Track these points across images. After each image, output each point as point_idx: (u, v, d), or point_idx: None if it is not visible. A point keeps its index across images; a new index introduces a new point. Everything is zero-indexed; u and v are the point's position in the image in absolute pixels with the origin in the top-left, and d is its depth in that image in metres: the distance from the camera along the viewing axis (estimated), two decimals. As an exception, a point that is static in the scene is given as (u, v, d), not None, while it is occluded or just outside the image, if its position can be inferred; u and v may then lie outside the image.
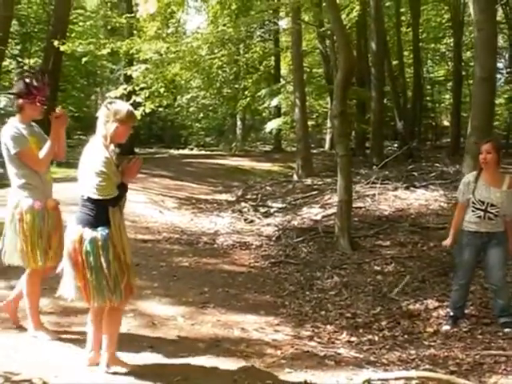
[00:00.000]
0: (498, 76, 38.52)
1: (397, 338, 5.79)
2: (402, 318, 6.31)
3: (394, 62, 26.32)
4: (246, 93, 27.32)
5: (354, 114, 24.60)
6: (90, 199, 4.06)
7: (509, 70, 34.03)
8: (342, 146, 9.11)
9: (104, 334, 4.26)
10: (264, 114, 35.16)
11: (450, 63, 28.38)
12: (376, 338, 5.76)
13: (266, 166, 22.45)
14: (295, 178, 17.56)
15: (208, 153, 27.93)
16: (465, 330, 5.93)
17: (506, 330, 5.74)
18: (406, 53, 29.15)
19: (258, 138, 35.63)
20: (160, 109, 21.12)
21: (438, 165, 17.36)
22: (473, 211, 5.85)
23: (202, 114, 33.71)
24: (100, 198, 4.00)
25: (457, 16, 24.29)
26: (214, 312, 6.17)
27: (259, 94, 26.61)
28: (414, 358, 5.24)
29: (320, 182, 15.80)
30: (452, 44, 26.94)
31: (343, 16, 15.09)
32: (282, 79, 29.04)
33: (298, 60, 18.56)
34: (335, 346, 5.51)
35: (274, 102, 24.45)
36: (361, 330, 5.96)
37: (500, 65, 37.79)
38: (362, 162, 19.77)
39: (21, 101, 4.87)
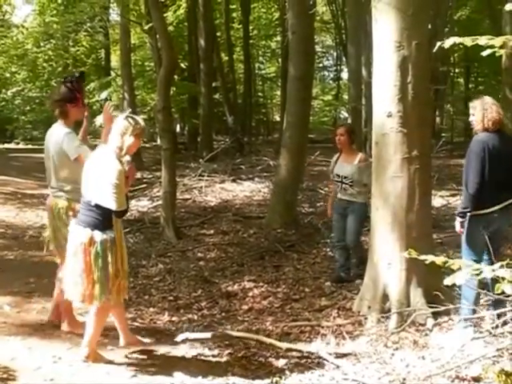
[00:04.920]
0: (326, 73, 40.90)
1: (215, 316, 6.25)
2: (221, 298, 6.79)
3: (226, 58, 26.89)
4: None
5: (186, 109, 24.94)
6: (98, 206, 4.34)
7: (335, 68, 36.18)
8: (165, 139, 9.48)
9: (90, 330, 4.58)
10: (94, 107, 34.49)
11: (280, 60, 29.41)
12: (195, 317, 6.19)
13: (97, 159, 22.14)
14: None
15: (36, 147, 26.96)
16: (276, 305, 6.53)
17: (357, 281, 6.67)
18: (237, 49, 29.72)
19: (89, 131, 34.78)
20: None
21: (265, 158, 18.18)
22: (335, 183, 7.12)
23: (28, 107, 32.39)
24: (114, 209, 4.30)
25: (284, 15, 25.09)
26: (39, 300, 6.36)
27: (88, 86, 26.16)
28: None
29: (150, 176, 16.04)
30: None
31: (170, 13, 15.48)
32: (112, 72, 28.71)
33: (126, 54, 18.62)
34: (156, 325, 5.91)
35: (104, 95, 24.13)
36: (181, 311, 6.37)
37: (328, 63, 40.12)
38: (193, 156, 20.19)
39: (67, 106, 5.07)
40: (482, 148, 5.04)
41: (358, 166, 6.84)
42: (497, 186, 5.07)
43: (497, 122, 5.13)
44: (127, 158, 4.44)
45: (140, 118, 4.61)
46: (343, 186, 6.95)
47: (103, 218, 4.39)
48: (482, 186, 5.02)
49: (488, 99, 5.26)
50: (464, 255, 5.25)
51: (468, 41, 3.31)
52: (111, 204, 4.29)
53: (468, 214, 5.11)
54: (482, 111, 5.14)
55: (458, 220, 5.21)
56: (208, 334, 5.28)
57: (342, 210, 7.04)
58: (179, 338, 5.16)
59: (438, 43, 3.54)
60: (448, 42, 3.40)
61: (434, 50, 3.77)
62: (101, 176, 4.34)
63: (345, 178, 6.92)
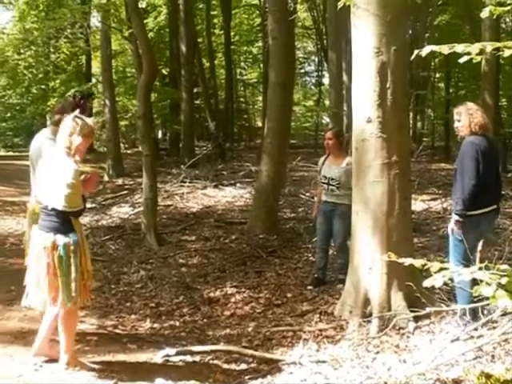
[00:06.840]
0: (308, 79, 40.95)
1: (196, 322, 6.25)
2: (203, 304, 6.79)
3: (207, 64, 26.85)
4: (56, 93, 26.67)
5: (168, 115, 24.85)
6: (55, 210, 4.28)
7: (317, 73, 36.22)
8: (145, 146, 9.46)
9: (63, 337, 4.53)
10: (74, 109, 34.21)
11: (261, 66, 29.41)
12: (177, 324, 6.19)
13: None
14: (106, 178, 17.39)
15: (17, 154, 26.83)
16: (258, 311, 6.54)
17: (339, 286, 6.67)
18: (219, 55, 29.68)
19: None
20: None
21: (247, 164, 18.18)
22: (321, 185, 7.20)
23: (9, 114, 32.16)
24: (68, 210, 4.24)
25: (265, 21, 25.08)
26: (20, 308, 6.23)
27: (69, 93, 26.01)
28: (211, 338, 5.77)
29: (131, 182, 15.99)
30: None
31: (151, 19, 15.45)
32: (93, 78, 28.57)
33: (107, 60, 18.51)
34: (138, 332, 5.89)
35: (85, 101, 24.02)
36: (163, 318, 6.36)
37: (309, 69, 40.20)
38: (175, 162, 20.14)
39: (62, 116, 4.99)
40: (476, 150, 5.15)
41: (345, 168, 6.88)
42: (486, 188, 5.19)
43: (483, 126, 5.29)
44: (77, 158, 4.38)
45: (90, 120, 4.58)
46: (330, 187, 7.04)
47: (63, 222, 4.34)
48: (478, 187, 5.10)
49: (471, 105, 5.42)
50: (453, 257, 5.32)
51: (445, 49, 3.34)
52: (64, 204, 4.22)
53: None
54: (468, 116, 5.28)
55: (456, 219, 5.22)
56: (188, 350, 5.26)
57: (328, 213, 7.09)
58: (160, 354, 5.13)
59: (416, 51, 3.56)
60: (425, 51, 3.42)
61: (412, 59, 3.79)
62: (56, 178, 4.29)
63: (332, 179, 7.02)
